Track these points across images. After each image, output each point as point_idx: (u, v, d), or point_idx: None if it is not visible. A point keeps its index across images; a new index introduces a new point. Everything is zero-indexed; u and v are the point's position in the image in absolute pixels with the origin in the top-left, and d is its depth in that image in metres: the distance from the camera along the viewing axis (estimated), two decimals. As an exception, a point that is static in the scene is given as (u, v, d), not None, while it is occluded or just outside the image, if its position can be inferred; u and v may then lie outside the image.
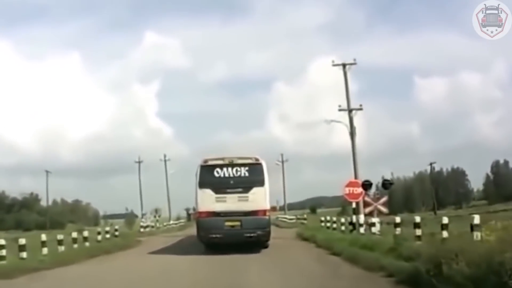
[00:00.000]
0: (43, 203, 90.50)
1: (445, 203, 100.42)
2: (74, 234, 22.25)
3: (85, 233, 23.75)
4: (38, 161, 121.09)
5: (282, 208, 66.95)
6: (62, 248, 19.67)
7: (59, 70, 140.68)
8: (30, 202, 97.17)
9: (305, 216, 43.43)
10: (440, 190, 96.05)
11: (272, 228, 20.79)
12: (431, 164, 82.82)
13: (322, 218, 30.36)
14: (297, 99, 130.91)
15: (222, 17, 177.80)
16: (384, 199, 22.69)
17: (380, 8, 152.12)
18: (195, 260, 16.83)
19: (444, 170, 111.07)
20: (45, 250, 18.50)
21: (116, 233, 30.01)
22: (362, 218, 22.66)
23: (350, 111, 26.27)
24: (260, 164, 19.02)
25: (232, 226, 18.37)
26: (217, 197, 18.57)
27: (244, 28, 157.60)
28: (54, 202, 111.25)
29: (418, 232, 15.66)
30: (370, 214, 22.31)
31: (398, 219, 17.43)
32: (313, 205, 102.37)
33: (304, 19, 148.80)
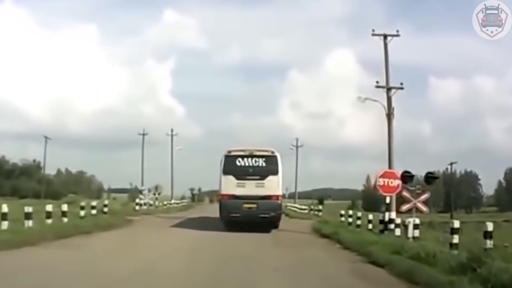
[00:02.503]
0: (47, 171, 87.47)
1: (456, 206, 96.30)
2: (49, 208, 18.47)
3: (64, 207, 19.94)
4: (47, 130, 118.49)
5: (291, 196, 63.12)
6: (29, 223, 16.00)
7: (75, 41, 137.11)
8: (31, 170, 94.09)
9: (320, 207, 39.22)
10: (452, 192, 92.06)
11: (282, 218, 23.61)
12: (451, 164, 78.23)
13: (342, 212, 26.36)
14: (311, 88, 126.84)
15: (242, 0, 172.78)
16: (425, 195, 18.61)
17: (401, 5, 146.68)
18: (188, 263, 12.90)
19: (458, 172, 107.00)
20: (5, 225, 14.87)
21: (105, 209, 26.14)
22: (393, 216, 18.82)
23: (388, 89, 22.08)
24: (275, 156, 22.14)
25: (250, 208, 21.28)
26: (237, 183, 21.58)
27: (263, 14, 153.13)
28: (59, 172, 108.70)
29: (455, 239, 12.97)
30: (407, 213, 18.36)
31: (456, 223, 13.28)
32: (320, 196, 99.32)
33: (324, 10, 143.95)
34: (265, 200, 21.29)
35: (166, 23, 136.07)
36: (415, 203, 18.31)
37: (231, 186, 21.67)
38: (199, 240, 16.92)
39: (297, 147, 62.70)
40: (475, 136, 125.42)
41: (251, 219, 21.16)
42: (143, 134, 58.99)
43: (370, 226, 20.68)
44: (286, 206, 48.38)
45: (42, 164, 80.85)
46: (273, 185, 21.68)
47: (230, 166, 21.78)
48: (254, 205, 21.26)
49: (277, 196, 21.79)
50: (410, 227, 17.36)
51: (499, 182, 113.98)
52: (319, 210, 37.82)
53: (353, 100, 23.83)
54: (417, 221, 16.32)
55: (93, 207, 24.48)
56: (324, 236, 19.61)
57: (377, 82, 22.01)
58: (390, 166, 21.25)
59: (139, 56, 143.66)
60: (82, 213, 22.40)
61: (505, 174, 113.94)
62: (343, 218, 25.38)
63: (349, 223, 23.54)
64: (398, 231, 17.32)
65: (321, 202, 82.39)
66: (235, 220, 21.35)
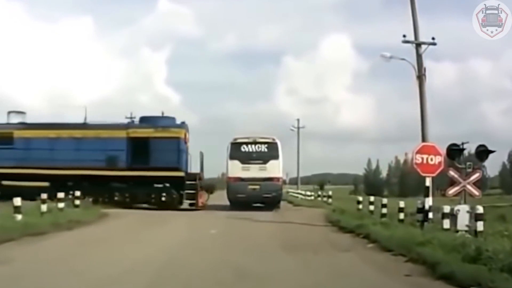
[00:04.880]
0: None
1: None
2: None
3: (17, 201, 15.63)
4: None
5: (292, 182, 58.87)
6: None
7: (71, 33, 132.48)
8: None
9: (330, 193, 34.71)
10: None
11: (286, 207, 27.24)
12: (462, 143, 73.74)
13: (360, 199, 22.17)
14: (307, 74, 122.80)
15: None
16: (476, 175, 14.49)
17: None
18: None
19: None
20: None
21: (77, 201, 21.75)
22: (431, 203, 14.76)
23: (418, 45, 17.69)
24: (276, 142, 25.22)
25: (254, 189, 24.14)
26: (243, 167, 24.46)
27: (258, 1, 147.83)
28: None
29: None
30: (455, 196, 14.31)
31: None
32: (320, 181, 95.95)
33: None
34: (268, 182, 24.22)
35: (161, 12, 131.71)
36: (464, 185, 14.21)
37: (237, 169, 24.49)
38: (181, 247, 12.68)
39: (298, 128, 58.28)
40: (475, 119, 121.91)
41: (255, 199, 24.28)
42: (131, 118, 54.39)
43: (401, 215, 16.43)
44: (288, 192, 44.15)
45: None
46: (275, 169, 24.69)
47: (236, 152, 24.67)
48: (258, 186, 24.14)
49: (278, 178, 24.97)
50: (461, 216, 13.30)
51: (503, 164, 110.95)
52: (329, 196, 33.35)
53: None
54: (480, 209, 12.08)
55: (60, 200, 20.16)
56: (345, 230, 15.39)
57: (404, 36, 17.59)
58: (424, 139, 16.96)
59: (134, 45, 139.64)
60: (44, 207, 18.10)
61: (509, 155, 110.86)
62: (361, 206, 21.19)
63: (371, 212, 19.37)
64: (447, 223, 13.11)
65: (321, 187, 78.61)
66: (241, 200, 24.13)
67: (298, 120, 59.77)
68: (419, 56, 17.66)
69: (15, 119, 28.31)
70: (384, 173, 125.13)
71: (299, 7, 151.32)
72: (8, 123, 27.97)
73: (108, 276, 8.05)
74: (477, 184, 14.47)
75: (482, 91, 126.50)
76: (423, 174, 14.90)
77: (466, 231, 12.53)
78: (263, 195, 24.01)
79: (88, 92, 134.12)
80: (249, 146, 24.71)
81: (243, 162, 24.38)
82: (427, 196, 15.03)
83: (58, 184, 25.55)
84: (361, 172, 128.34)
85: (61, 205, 19.50)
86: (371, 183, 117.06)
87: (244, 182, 24.10)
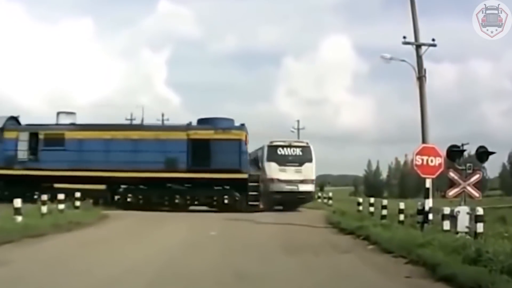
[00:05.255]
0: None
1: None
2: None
3: (17, 203, 15.61)
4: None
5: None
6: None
7: (71, 34, 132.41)
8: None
9: (330, 194, 34.74)
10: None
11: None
12: (462, 145, 73.71)
13: (360, 200, 22.16)
14: (307, 75, 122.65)
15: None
16: (476, 177, 14.47)
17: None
18: None
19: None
20: None
21: (77, 203, 21.68)
22: (431, 204, 14.75)
23: (418, 46, 17.69)
24: (309, 147, 26.76)
25: (291, 190, 25.35)
26: (280, 168, 25.68)
27: (258, 2, 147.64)
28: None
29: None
30: (455, 198, 14.30)
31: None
32: (321, 182, 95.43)
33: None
34: (303, 183, 25.73)
35: (161, 13, 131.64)
36: (464, 187, 14.20)
37: (275, 171, 25.66)
38: (180, 249, 12.66)
39: (298, 129, 58.23)
40: (475, 120, 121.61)
41: (290, 198, 25.40)
42: (131, 120, 54.43)
43: (401, 217, 16.43)
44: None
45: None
46: (309, 171, 26.26)
47: (273, 154, 25.99)
48: (295, 187, 25.49)
49: (312, 180, 26.66)
50: (461, 218, 13.30)
51: (503, 165, 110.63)
52: (329, 198, 33.37)
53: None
54: (480, 210, 12.07)
55: (60, 201, 20.12)
56: (345, 231, 15.37)
57: (404, 37, 17.58)
58: (424, 141, 16.95)
59: (134, 46, 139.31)
60: (44, 209, 18.07)
61: (509, 157, 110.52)
62: (361, 207, 21.18)
63: (371, 213, 19.36)
64: (447, 224, 13.10)
65: (321, 188, 78.42)
66: (277, 200, 25.53)
67: (298, 121, 59.66)
68: (419, 58, 17.65)
69: (65, 120, 27.53)
70: (384, 175, 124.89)
71: (299, 8, 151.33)
72: (57, 124, 27.24)
73: (108, 277, 8.05)
74: (477, 185, 14.44)
75: (482, 92, 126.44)
76: (423, 176, 14.87)
77: (466, 232, 12.52)
78: (298, 196, 25.44)
79: (88, 93, 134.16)
80: (285, 149, 26.11)
81: (280, 164, 25.61)
82: (427, 197, 15.00)
83: (115, 186, 25.64)
84: (361, 173, 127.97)
85: (61, 206, 19.51)
86: (371, 185, 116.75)
87: (281, 183, 25.31)
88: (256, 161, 26.90)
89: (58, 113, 27.80)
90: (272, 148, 26.09)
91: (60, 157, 25.62)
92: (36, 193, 25.05)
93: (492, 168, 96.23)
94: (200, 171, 24.67)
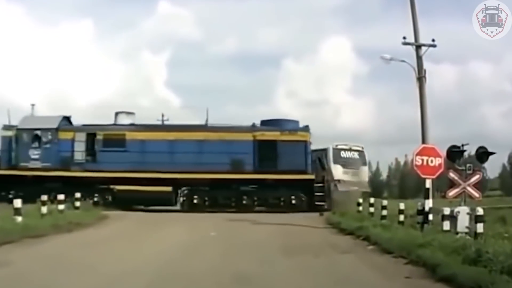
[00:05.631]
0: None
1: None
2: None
3: (18, 203, 15.56)
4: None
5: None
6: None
7: (71, 36, 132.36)
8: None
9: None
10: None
11: None
12: (462, 145, 73.66)
13: (360, 200, 22.15)
14: (307, 76, 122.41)
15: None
16: (476, 177, 14.47)
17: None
18: None
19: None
20: None
21: (77, 203, 21.66)
22: (431, 205, 14.74)
23: (418, 47, 17.69)
24: (364, 151, 29.20)
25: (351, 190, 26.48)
26: (343, 171, 27.40)
27: (258, 4, 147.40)
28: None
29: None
30: (455, 198, 14.30)
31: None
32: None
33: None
34: (361, 185, 27.88)
35: (161, 15, 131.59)
36: (464, 187, 14.20)
37: (340, 173, 27.14)
38: (180, 249, 12.64)
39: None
40: (475, 121, 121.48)
41: (350, 198, 25.12)
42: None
43: (401, 217, 16.43)
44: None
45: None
46: (364, 174, 29.14)
47: (337, 157, 27.59)
48: (356, 188, 27.02)
49: (366, 182, 29.46)
50: (461, 218, 13.29)
51: (503, 165, 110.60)
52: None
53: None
54: (480, 211, 12.07)
55: (60, 202, 20.10)
56: (345, 232, 15.37)
57: (404, 38, 17.58)
58: (424, 141, 16.95)
59: (134, 48, 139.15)
60: (44, 209, 18.05)
61: (509, 157, 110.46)
62: (361, 208, 21.17)
63: (371, 214, 19.35)
64: (447, 225, 13.09)
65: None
66: (341, 200, 25.41)
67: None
68: (419, 58, 17.68)
69: (124, 120, 27.19)
70: (384, 175, 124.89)
71: (299, 10, 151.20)
72: (116, 124, 26.93)
73: (108, 277, 8.05)
74: (477, 186, 14.44)
75: (482, 93, 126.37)
76: (423, 176, 14.86)
77: (466, 233, 12.52)
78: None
79: (88, 94, 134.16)
80: (346, 152, 27.94)
81: (343, 166, 27.32)
82: (427, 198, 15.00)
83: (181, 188, 25.51)
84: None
85: (61, 207, 19.50)
86: (371, 185, 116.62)
87: (346, 184, 26.97)
88: (315, 163, 26.72)
89: (117, 113, 27.34)
90: (337, 151, 27.70)
91: (120, 158, 25.23)
92: (96, 195, 25.34)
93: (492, 168, 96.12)
94: (267, 172, 24.82)
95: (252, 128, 26.25)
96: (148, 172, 24.58)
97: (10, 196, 21.46)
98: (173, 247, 12.37)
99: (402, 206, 16.69)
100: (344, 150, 27.94)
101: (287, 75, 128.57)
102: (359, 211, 20.74)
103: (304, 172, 24.93)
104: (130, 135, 25.86)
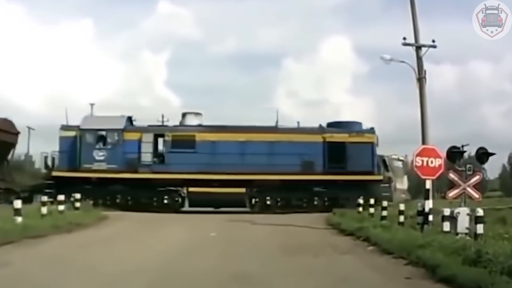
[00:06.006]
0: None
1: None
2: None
3: (18, 204, 15.54)
4: (44, 124, 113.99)
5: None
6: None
7: (71, 35, 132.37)
8: (21, 165, 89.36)
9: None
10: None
11: None
12: (462, 146, 73.52)
13: (360, 201, 22.12)
14: (307, 76, 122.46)
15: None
16: (476, 178, 14.47)
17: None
18: None
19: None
20: None
21: (77, 204, 21.53)
22: (431, 205, 14.73)
23: (418, 47, 17.70)
24: (406, 161, 33.87)
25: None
26: (399, 179, 30.66)
27: (258, 4, 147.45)
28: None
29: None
30: (455, 199, 14.30)
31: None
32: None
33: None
34: (406, 191, 31.46)
35: (161, 14, 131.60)
36: (464, 188, 14.20)
37: (396, 180, 29.79)
38: (180, 250, 12.64)
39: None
40: (475, 121, 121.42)
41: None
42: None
43: (401, 218, 16.41)
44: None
45: (34, 159, 76.16)
46: (406, 182, 32.54)
47: (392, 165, 30.19)
48: (404, 195, 29.29)
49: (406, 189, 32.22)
50: (461, 219, 13.28)
51: (503, 166, 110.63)
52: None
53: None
54: (480, 211, 12.07)
55: (60, 202, 20.08)
56: (345, 232, 15.38)
57: (404, 38, 17.58)
58: (424, 141, 16.96)
59: (134, 48, 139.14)
60: (44, 210, 18.03)
61: (509, 158, 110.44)
62: (361, 208, 21.16)
63: (371, 214, 19.34)
64: (447, 225, 13.09)
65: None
66: None
67: (298, 122, 59.25)
68: (419, 59, 17.69)
69: (193, 121, 26.93)
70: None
71: (299, 9, 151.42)
72: (185, 125, 26.73)
73: (108, 277, 8.05)
74: (477, 186, 14.45)
75: (482, 94, 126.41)
76: (423, 177, 14.86)
77: (466, 233, 12.50)
78: None
79: (88, 94, 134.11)
80: (395, 162, 30.89)
81: (396, 175, 29.62)
82: (427, 198, 14.99)
83: (252, 189, 25.36)
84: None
85: (61, 207, 19.50)
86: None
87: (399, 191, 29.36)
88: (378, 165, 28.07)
89: (184, 114, 27.09)
90: (392, 160, 30.36)
91: (190, 159, 24.95)
92: (166, 197, 25.11)
93: (492, 169, 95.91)
94: (336, 173, 25.07)
95: (321, 129, 26.51)
96: (220, 174, 24.48)
97: (72, 199, 20.66)
98: (173, 247, 12.37)
99: (402, 206, 16.69)
100: (394, 159, 30.51)
101: (287, 74, 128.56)
102: (359, 212, 20.74)
103: (372, 173, 25.41)
104: (199, 136, 25.69)
